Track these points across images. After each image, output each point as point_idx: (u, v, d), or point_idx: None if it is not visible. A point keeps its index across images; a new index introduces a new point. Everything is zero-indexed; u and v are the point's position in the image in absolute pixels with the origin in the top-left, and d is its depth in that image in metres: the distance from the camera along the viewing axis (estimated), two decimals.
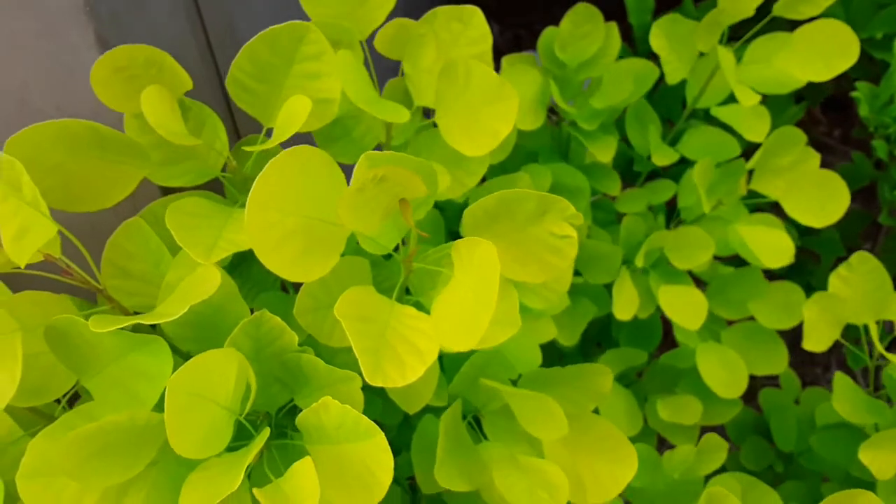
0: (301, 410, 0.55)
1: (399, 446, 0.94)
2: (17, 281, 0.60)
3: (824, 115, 1.56)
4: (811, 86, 1.51)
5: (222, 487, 0.50)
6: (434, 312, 0.52)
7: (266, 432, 0.54)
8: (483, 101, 0.60)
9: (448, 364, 0.75)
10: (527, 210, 0.54)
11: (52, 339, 0.55)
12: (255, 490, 0.50)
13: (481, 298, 0.48)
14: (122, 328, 0.53)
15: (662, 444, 1.05)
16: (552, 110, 1.05)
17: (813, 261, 1.35)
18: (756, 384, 1.20)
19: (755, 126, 0.90)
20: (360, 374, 0.51)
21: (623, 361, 1.01)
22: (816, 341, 0.89)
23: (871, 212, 1.42)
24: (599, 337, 1.15)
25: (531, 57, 0.96)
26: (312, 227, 0.51)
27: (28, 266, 0.54)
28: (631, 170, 1.12)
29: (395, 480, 0.89)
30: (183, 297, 0.55)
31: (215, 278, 0.55)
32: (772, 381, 1.29)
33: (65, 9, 0.64)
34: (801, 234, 1.39)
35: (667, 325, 1.08)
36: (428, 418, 0.78)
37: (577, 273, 0.97)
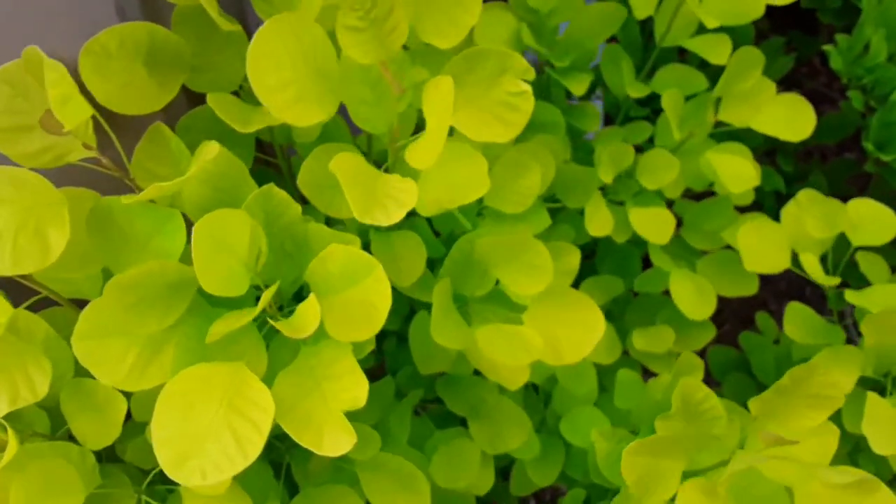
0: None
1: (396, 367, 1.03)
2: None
3: (823, 66, 1.64)
4: (804, 37, 1.59)
5: (239, 319, 0.58)
6: (407, 154, 0.61)
7: (277, 283, 0.62)
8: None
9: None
10: (488, 68, 0.63)
11: (93, 223, 0.63)
12: (269, 319, 0.58)
13: (440, 121, 0.56)
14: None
15: (647, 375, 1.12)
16: (529, 58, 1.14)
17: None
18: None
19: (718, 51, 0.98)
20: None
21: (602, 290, 1.08)
22: (756, 263, 0.96)
23: (861, 160, 1.49)
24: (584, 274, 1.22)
25: (503, 3, 1.04)
26: (304, 82, 0.61)
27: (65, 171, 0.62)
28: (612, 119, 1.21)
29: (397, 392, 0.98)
30: (196, 165, 0.62)
31: (216, 146, 0.63)
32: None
33: None
34: (788, 181, 1.47)
35: (646, 264, 1.16)
36: (422, 313, 0.86)
37: (556, 200, 1.05)
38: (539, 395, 1.07)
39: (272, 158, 0.94)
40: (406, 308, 0.97)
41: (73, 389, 0.66)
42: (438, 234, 0.96)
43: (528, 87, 0.64)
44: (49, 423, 0.70)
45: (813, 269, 0.93)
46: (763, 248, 0.96)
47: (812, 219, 0.94)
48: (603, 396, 1.04)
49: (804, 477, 0.68)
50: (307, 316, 0.58)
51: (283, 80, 0.60)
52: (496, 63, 0.65)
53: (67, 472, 0.62)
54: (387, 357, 1.07)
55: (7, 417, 0.61)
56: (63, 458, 0.63)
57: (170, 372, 0.62)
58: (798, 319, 0.98)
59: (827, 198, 0.98)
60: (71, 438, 0.68)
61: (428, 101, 0.60)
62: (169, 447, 0.55)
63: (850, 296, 0.92)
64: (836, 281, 0.95)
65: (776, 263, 0.96)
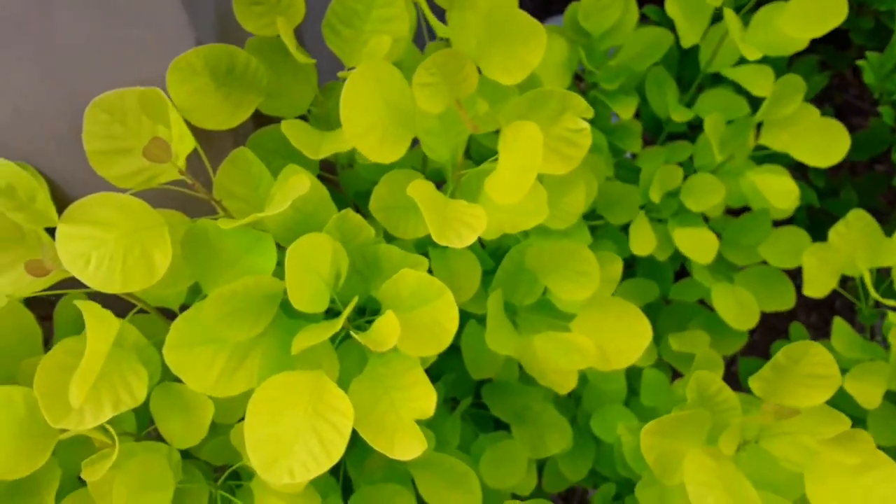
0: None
1: (439, 373, 1.09)
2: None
3: (855, 79, 1.66)
4: (834, 52, 1.62)
5: (322, 333, 0.64)
6: (487, 186, 0.66)
7: (355, 299, 0.67)
8: (519, 39, 0.72)
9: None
10: (550, 108, 0.68)
11: (188, 242, 0.69)
12: (352, 332, 0.63)
13: (526, 165, 0.61)
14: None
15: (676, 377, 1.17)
16: (578, 78, 1.19)
17: (831, 222, 1.46)
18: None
19: (761, 82, 1.02)
20: None
21: (638, 294, 1.13)
22: (815, 288, 1.01)
23: (891, 175, 1.51)
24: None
25: (558, 27, 1.09)
26: (386, 124, 0.66)
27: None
28: (653, 138, 1.25)
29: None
30: (285, 196, 0.68)
31: (306, 182, 0.69)
32: None
33: (169, 19, 0.79)
34: (821, 196, 1.50)
35: (678, 276, 1.21)
36: (471, 323, 0.91)
37: (598, 216, 1.10)
38: (570, 395, 1.12)
39: (330, 174, 1.00)
40: None
41: (162, 393, 0.72)
42: (484, 247, 1.01)
43: (587, 125, 0.69)
44: (136, 423, 0.77)
45: (869, 286, 0.97)
46: (822, 271, 1.00)
47: (862, 250, 0.98)
48: (632, 399, 1.09)
49: (812, 455, 0.72)
50: (386, 331, 0.63)
51: (371, 123, 0.66)
52: (558, 103, 0.70)
53: (160, 468, 0.69)
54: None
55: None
56: (155, 455, 0.69)
57: (255, 379, 0.68)
58: (843, 334, 1.02)
59: (872, 219, 1.02)
60: (156, 437, 0.75)
61: (508, 142, 0.65)
62: (261, 449, 0.60)
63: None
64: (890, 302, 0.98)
65: (828, 285, 1.00)
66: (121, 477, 0.65)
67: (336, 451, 0.61)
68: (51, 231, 0.68)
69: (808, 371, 0.75)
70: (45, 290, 0.69)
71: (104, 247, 0.61)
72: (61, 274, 0.67)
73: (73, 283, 0.66)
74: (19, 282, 0.67)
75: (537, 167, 0.62)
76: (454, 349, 1.02)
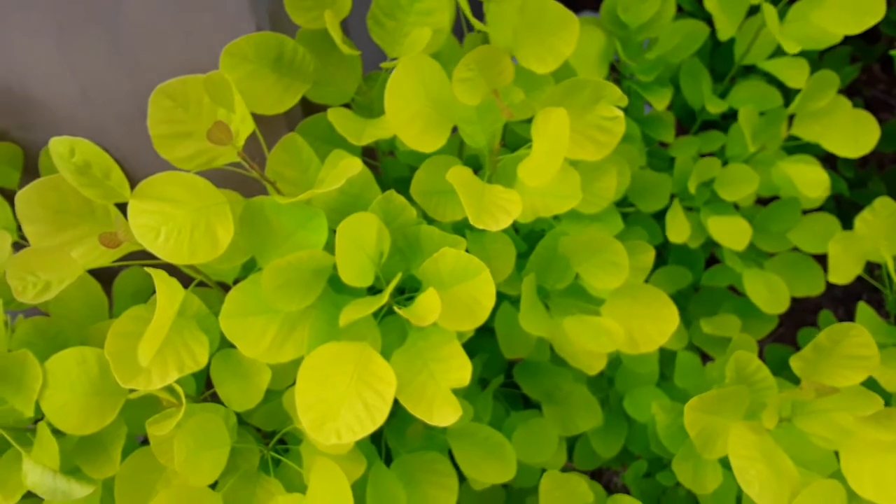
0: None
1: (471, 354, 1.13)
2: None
3: (884, 74, 1.67)
4: (864, 46, 1.63)
5: (368, 307, 0.69)
6: (519, 170, 0.70)
7: (399, 275, 0.72)
8: (552, 29, 0.76)
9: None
10: (584, 96, 0.71)
11: (245, 218, 0.75)
12: (395, 307, 0.68)
13: (555, 148, 0.65)
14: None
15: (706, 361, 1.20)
16: (613, 68, 1.22)
17: (859, 213, 1.47)
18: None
19: (796, 75, 1.04)
20: None
21: (671, 281, 1.16)
22: (840, 275, 1.03)
23: None
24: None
25: (595, 19, 1.12)
26: (427, 114, 0.71)
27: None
28: (686, 128, 1.28)
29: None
30: (338, 176, 0.73)
31: (358, 163, 0.73)
32: None
33: (232, 5, 0.84)
34: (849, 187, 1.51)
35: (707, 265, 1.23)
36: (505, 304, 0.95)
37: (630, 204, 1.13)
38: (602, 377, 1.16)
39: (371, 160, 1.05)
40: None
41: (222, 359, 0.78)
42: (518, 230, 1.05)
43: (621, 113, 0.73)
44: (195, 386, 0.82)
45: (892, 273, 0.99)
46: (847, 258, 1.03)
47: (887, 238, 1.00)
48: (662, 383, 1.12)
49: (846, 433, 0.75)
50: (427, 306, 0.67)
51: (413, 113, 0.71)
52: (592, 92, 0.73)
53: (218, 427, 0.74)
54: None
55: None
56: (214, 416, 0.75)
57: (304, 348, 0.73)
58: (868, 319, 1.04)
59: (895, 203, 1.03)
60: (214, 400, 0.80)
61: (539, 128, 0.69)
62: (311, 412, 0.66)
63: None
64: None
65: (853, 272, 1.02)
66: (181, 435, 0.71)
67: (380, 415, 0.66)
68: (119, 207, 0.74)
69: (848, 352, 0.78)
70: (113, 262, 0.75)
71: (172, 221, 0.67)
72: (128, 247, 0.73)
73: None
74: (89, 254, 0.73)
75: (564, 150, 0.66)
76: (487, 331, 1.06)
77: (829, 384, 0.76)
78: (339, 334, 0.73)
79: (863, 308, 1.04)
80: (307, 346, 0.72)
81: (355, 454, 0.78)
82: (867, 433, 0.75)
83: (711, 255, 1.29)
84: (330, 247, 0.74)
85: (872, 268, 1.07)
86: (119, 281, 0.94)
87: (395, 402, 0.68)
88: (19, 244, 0.79)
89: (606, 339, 0.80)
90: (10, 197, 0.93)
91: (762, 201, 1.20)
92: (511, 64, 0.69)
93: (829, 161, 1.63)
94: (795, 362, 0.79)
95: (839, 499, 0.72)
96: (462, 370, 0.71)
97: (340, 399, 0.66)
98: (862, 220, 1.03)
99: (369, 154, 1.07)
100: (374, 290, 0.77)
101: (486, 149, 0.82)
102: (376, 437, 0.95)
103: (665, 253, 1.29)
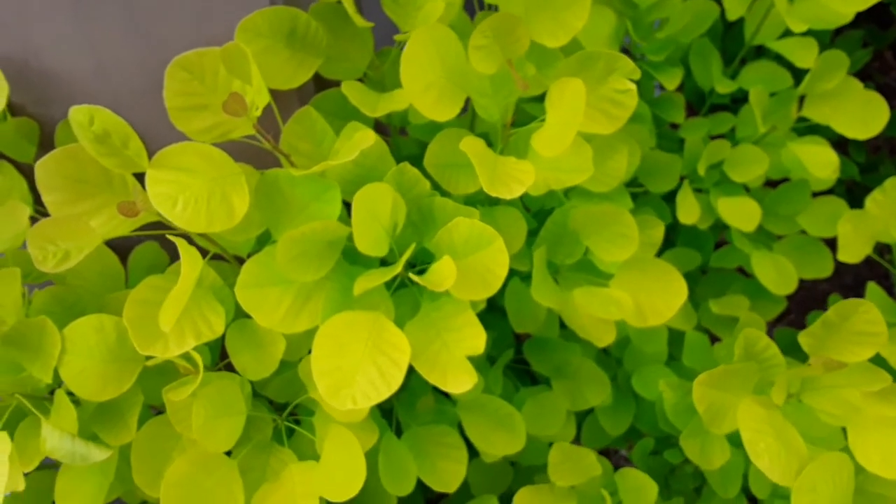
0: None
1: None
2: None
3: None
4: (876, 31, 1.63)
5: (382, 276, 0.69)
6: (533, 141, 0.71)
7: (413, 245, 0.73)
8: (564, 3, 0.76)
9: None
10: (598, 68, 0.72)
11: (260, 190, 0.75)
12: (411, 274, 0.69)
13: (570, 119, 0.65)
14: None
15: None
16: (625, 50, 1.22)
17: None
18: None
19: (805, 55, 1.04)
20: None
21: (680, 262, 1.17)
22: (849, 254, 1.03)
23: None
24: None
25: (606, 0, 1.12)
26: (442, 84, 0.72)
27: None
28: (696, 110, 1.28)
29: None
30: (353, 147, 0.74)
31: (372, 135, 0.74)
32: None
33: None
34: (862, 171, 1.51)
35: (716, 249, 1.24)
36: (514, 280, 0.96)
37: (639, 185, 1.14)
38: (611, 357, 1.17)
39: (383, 137, 1.06)
40: None
41: (238, 328, 0.79)
42: (528, 209, 1.06)
43: (633, 86, 0.73)
44: (210, 357, 0.83)
45: None
46: (856, 237, 1.03)
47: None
48: (671, 364, 1.13)
49: (853, 409, 0.76)
50: (443, 273, 0.68)
51: (429, 82, 0.71)
52: (605, 64, 0.74)
53: (235, 395, 0.75)
54: None
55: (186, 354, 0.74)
56: (230, 383, 0.76)
57: (318, 318, 0.74)
58: (877, 298, 1.04)
59: None
60: (229, 370, 0.81)
61: (554, 98, 0.70)
62: (326, 379, 0.67)
63: None
64: None
65: (862, 252, 1.03)
66: (200, 400, 0.72)
67: (394, 381, 0.67)
68: (137, 178, 0.75)
69: (857, 328, 0.78)
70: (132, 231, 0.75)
71: (189, 190, 0.68)
72: (145, 218, 0.74)
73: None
74: (107, 223, 0.74)
75: (579, 120, 0.66)
76: (496, 310, 1.07)
77: (838, 359, 0.76)
78: (353, 305, 0.74)
79: (872, 288, 1.05)
80: (322, 316, 0.73)
81: (368, 424, 0.79)
82: (874, 408, 0.76)
83: (720, 240, 1.30)
84: (344, 219, 0.75)
85: (882, 252, 1.07)
86: (134, 256, 0.95)
87: (406, 376, 0.69)
88: (35, 219, 0.80)
89: (615, 308, 0.80)
90: (25, 172, 0.95)
91: (771, 185, 1.21)
92: (526, 33, 0.70)
93: (841, 146, 1.63)
94: (804, 338, 0.79)
95: (847, 472, 0.73)
96: (476, 339, 0.71)
97: (356, 366, 0.67)
98: (873, 200, 1.03)
99: (381, 132, 1.08)
100: (386, 265, 0.78)
101: (499, 122, 0.82)
102: (387, 412, 0.96)
103: (674, 235, 1.30)
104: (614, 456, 1.66)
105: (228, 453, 0.77)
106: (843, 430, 0.77)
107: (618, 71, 0.74)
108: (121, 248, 0.93)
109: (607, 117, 0.76)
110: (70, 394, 0.75)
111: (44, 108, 0.96)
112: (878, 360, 0.93)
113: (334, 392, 0.66)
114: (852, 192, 1.54)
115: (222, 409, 0.74)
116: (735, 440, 0.85)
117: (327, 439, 0.74)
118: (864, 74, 1.80)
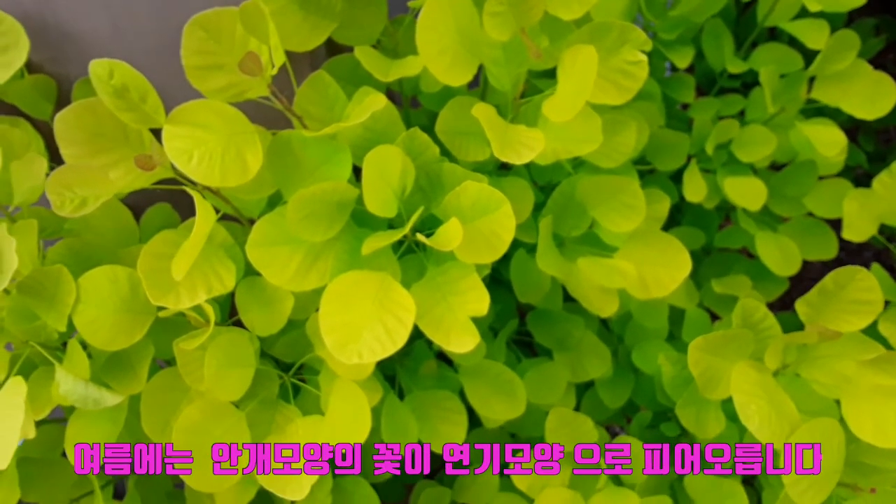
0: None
1: None
2: None
3: None
4: (891, 20, 1.62)
5: (391, 237, 0.71)
6: (544, 108, 0.72)
7: (420, 208, 0.74)
8: None
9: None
10: (610, 39, 0.73)
11: (273, 150, 0.77)
12: (418, 235, 0.70)
13: (581, 85, 0.67)
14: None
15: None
16: None
17: None
18: None
19: (816, 36, 1.05)
20: None
21: (684, 241, 1.18)
22: (854, 232, 1.04)
23: None
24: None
25: None
26: (456, 49, 0.73)
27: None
28: (706, 92, 1.29)
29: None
30: (364, 110, 0.75)
31: (382, 99, 0.75)
32: None
33: None
34: (870, 160, 1.52)
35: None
36: (520, 252, 0.98)
37: (647, 163, 1.15)
38: (612, 333, 1.18)
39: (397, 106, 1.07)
40: None
41: (247, 285, 0.80)
42: (536, 183, 1.07)
43: (645, 58, 0.74)
44: (220, 314, 0.85)
45: None
46: (862, 216, 1.04)
47: None
48: (671, 341, 1.15)
49: (847, 379, 0.77)
50: (450, 234, 0.70)
51: (443, 46, 0.72)
52: (618, 35, 0.75)
53: (244, 348, 0.77)
54: None
55: (196, 308, 0.76)
56: (240, 336, 0.78)
57: (327, 277, 0.75)
58: (879, 277, 1.05)
59: None
60: (238, 326, 0.83)
61: (566, 65, 0.71)
62: (334, 334, 0.68)
63: None
64: None
65: (867, 231, 1.04)
66: (212, 350, 0.74)
67: (400, 338, 0.68)
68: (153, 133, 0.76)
69: (853, 297, 0.79)
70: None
71: (205, 145, 0.69)
72: (160, 173, 0.75)
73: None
74: (125, 177, 0.75)
75: (591, 87, 0.68)
76: (500, 283, 1.09)
77: (834, 328, 0.78)
78: (361, 265, 0.75)
79: (876, 269, 1.06)
80: (330, 275, 0.75)
81: (372, 382, 0.81)
82: (868, 377, 0.77)
83: (725, 220, 1.31)
84: (353, 182, 0.77)
85: (891, 238, 1.08)
86: (147, 216, 0.97)
87: (409, 342, 0.70)
88: None
89: (619, 278, 0.82)
90: (41, 129, 0.96)
91: (777, 170, 1.22)
92: (541, 1, 0.71)
93: (850, 134, 1.63)
94: (801, 307, 0.80)
95: (837, 438, 0.74)
96: (479, 301, 0.73)
97: (362, 322, 0.69)
98: (880, 181, 1.04)
99: (392, 103, 1.09)
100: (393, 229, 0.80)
101: (510, 93, 0.83)
102: (390, 378, 0.98)
103: (679, 215, 1.31)
104: (612, 433, 1.68)
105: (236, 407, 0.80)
106: (838, 403, 0.78)
107: (630, 42, 0.75)
108: (134, 208, 0.94)
109: (618, 88, 0.77)
110: (83, 346, 0.77)
111: (60, 67, 0.97)
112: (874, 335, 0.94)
113: (341, 346, 0.68)
114: (859, 182, 1.54)
115: (233, 359, 0.76)
116: (730, 413, 0.87)
117: (333, 393, 0.75)
118: (878, 64, 1.79)
